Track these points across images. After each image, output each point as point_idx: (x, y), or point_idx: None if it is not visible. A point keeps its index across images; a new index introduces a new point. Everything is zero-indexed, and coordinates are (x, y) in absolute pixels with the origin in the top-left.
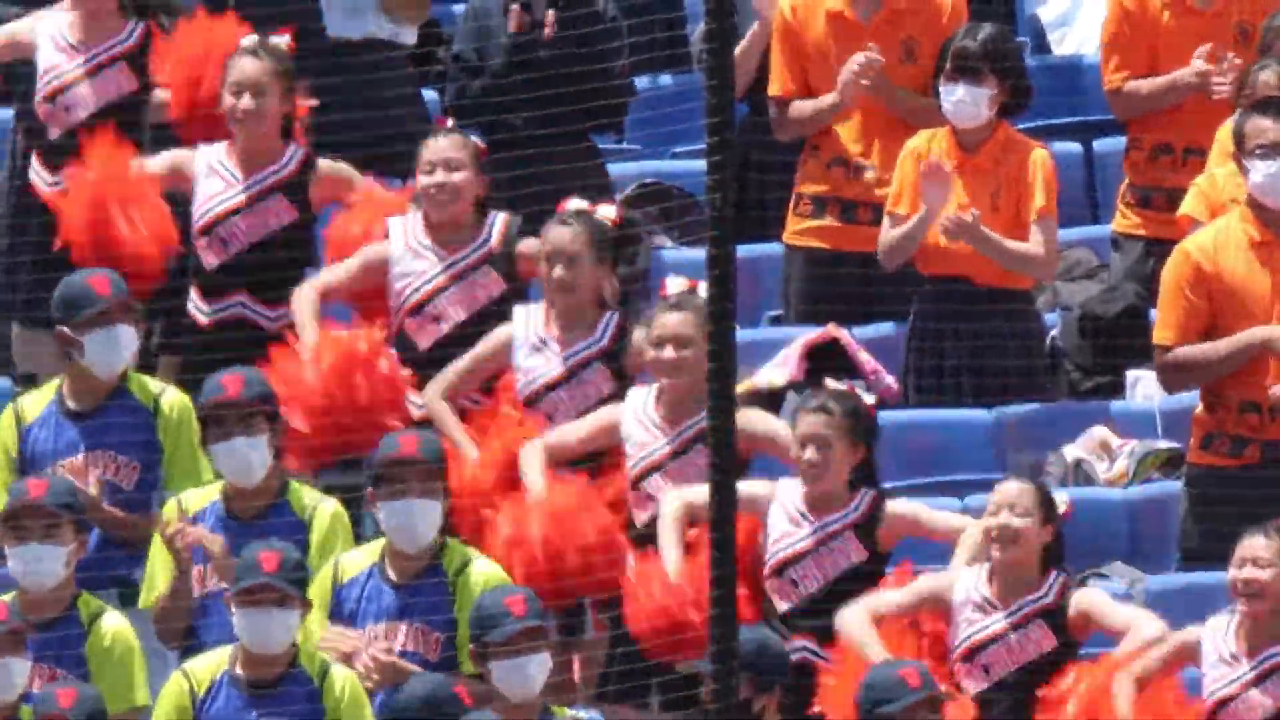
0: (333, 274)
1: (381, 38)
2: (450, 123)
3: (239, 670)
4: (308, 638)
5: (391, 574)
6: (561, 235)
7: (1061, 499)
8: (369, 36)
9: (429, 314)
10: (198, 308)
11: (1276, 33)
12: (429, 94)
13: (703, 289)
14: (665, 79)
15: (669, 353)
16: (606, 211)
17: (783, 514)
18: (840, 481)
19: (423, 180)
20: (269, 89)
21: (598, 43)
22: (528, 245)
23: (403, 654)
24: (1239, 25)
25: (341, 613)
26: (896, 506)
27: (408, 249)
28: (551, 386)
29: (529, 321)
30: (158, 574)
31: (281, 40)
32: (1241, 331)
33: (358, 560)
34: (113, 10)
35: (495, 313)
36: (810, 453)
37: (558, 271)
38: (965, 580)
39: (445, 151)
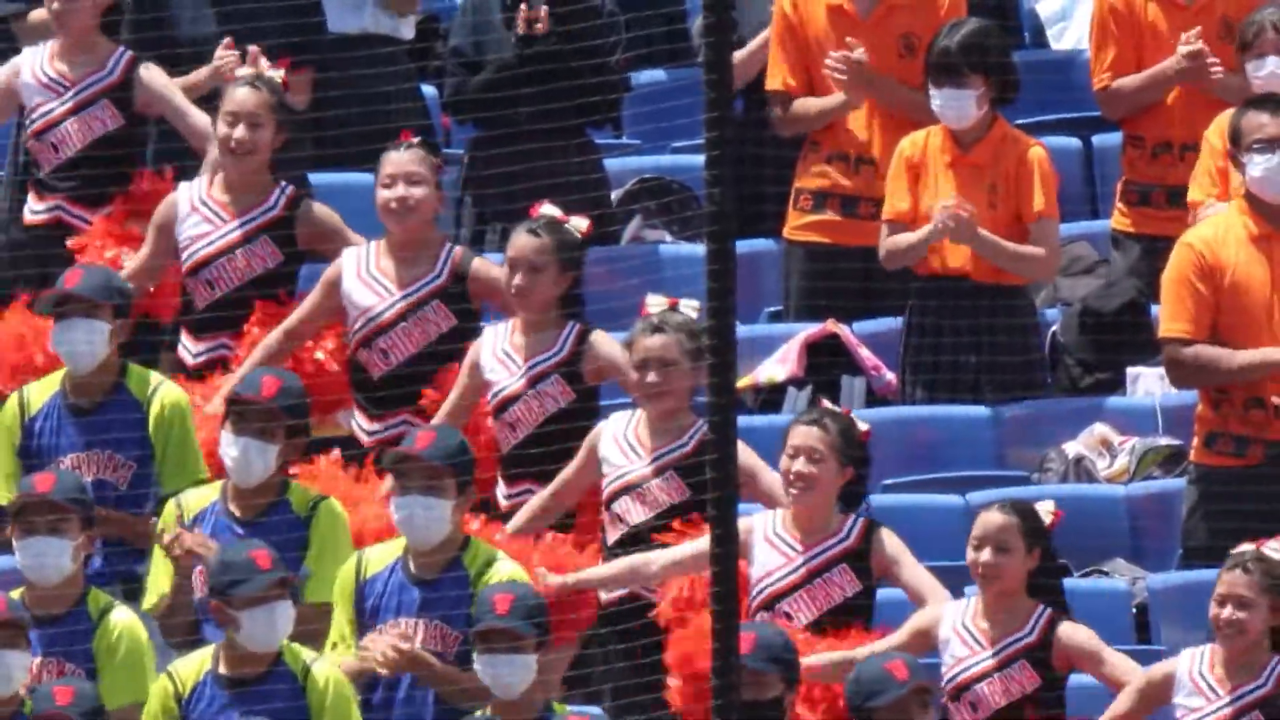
0: (295, 315)
1: (379, 32)
2: (415, 140)
3: (222, 669)
4: (333, 632)
5: (414, 570)
6: (527, 243)
7: (1046, 508)
8: (366, 31)
9: (378, 347)
10: (185, 347)
11: (1258, 28)
12: (427, 88)
13: (684, 306)
14: (664, 73)
15: (652, 377)
16: (578, 223)
17: (766, 545)
18: (828, 503)
19: (382, 194)
20: (264, 121)
21: (593, 37)
22: (480, 268)
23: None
24: (1223, 19)
25: (364, 608)
26: (890, 542)
27: (360, 279)
28: (512, 399)
29: (495, 338)
30: (160, 576)
31: (277, 73)
32: (1257, 344)
33: (382, 556)
34: (94, 40)
35: (447, 350)
36: (800, 464)
37: (518, 280)
38: (951, 614)
39: (406, 165)
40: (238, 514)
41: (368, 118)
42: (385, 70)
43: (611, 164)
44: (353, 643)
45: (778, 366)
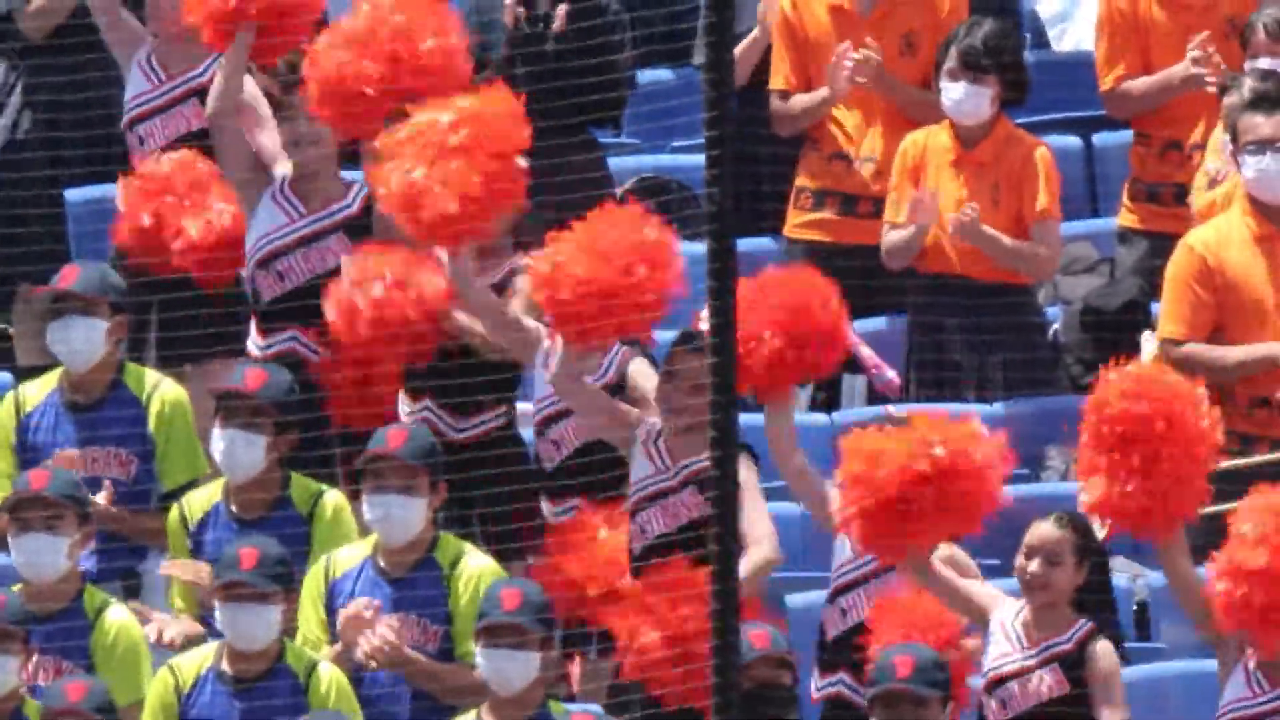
0: None
1: None
2: None
3: (224, 665)
4: (305, 633)
5: (385, 568)
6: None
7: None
8: None
9: None
10: (254, 343)
11: (1252, 29)
12: None
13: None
14: (664, 72)
15: (1035, 566)
16: None
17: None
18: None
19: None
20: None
21: (599, 36)
22: None
23: None
24: (1229, 19)
25: (335, 607)
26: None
27: None
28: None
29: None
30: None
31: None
32: (1257, 342)
33: (351, 555)
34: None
35: None
36: (1036, 565)
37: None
38: (1001, 610)
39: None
40: (240, 513)
41: None
42: None
43: (612, 162)
44: (324, 644)
45: None
